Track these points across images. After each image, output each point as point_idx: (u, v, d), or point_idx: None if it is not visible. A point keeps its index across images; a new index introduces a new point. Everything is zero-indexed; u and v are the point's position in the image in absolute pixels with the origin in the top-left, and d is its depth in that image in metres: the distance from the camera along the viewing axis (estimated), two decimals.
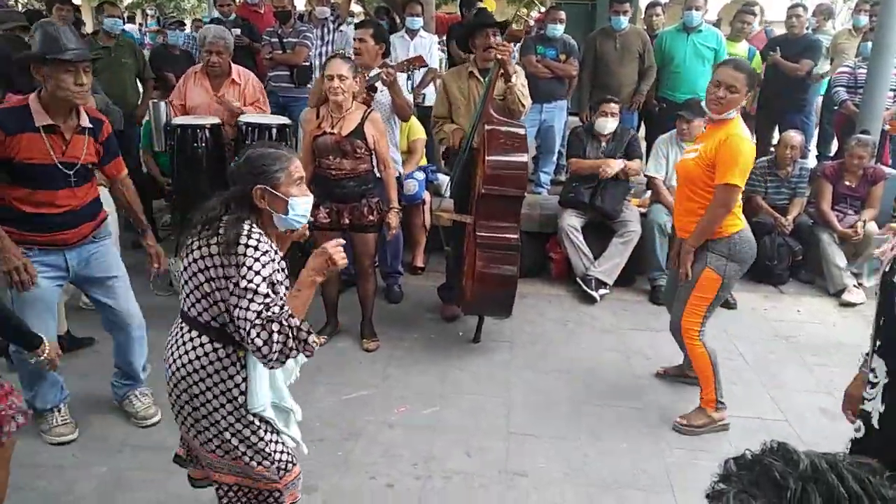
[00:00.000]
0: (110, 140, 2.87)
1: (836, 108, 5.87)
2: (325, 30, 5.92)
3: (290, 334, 1.74)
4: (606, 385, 3.53)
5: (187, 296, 1.92)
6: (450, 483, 2.77)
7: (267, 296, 1.77)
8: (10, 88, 3.25)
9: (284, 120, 4.42)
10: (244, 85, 4.39)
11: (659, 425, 3.19)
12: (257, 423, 1.97)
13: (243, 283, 1.76)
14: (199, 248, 1.86)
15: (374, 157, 3.57)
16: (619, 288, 4.69)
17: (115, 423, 3.10)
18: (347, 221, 3.54)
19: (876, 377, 1.74)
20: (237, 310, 1.76)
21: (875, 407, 1.73)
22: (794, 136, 4.88)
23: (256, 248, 1.80)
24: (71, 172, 2.69)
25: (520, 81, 3.72)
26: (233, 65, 4.39)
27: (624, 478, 2.82)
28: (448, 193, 4.49)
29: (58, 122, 2.64)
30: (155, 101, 4.62)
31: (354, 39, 3.96)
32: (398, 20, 6.62)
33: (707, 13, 6.07)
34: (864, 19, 6.24)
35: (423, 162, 5.05)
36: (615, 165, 4.58)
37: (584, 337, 4.10)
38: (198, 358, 1.91)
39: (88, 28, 7.98)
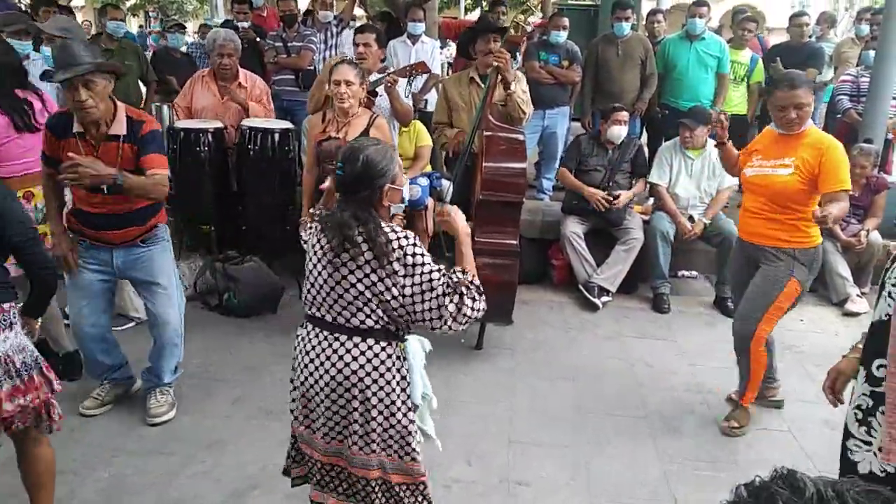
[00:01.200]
0: (146, 137, 2.79)
1: (838, 116, 5.87)
2: (329, 34, 5.94)
3: (476, 291, 1.92)
4: (609, 393, 3.52)
5: (342, 310, 1.91)
6: (450, 492, 2.76)
7: (443, 273, 1.88)
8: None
9: (287, 124, 4.43)
10: (251, 88, 4.42)
11: (661, 434, 3.17)
12: (412, 415, 2.01)
13: (425, 277, 1.85)
14: (346, 263, 1.87)
15: None
16: (621, 295, 4.68)
17: (115, 428, 3.10)
18: None
19: None
20: (425, 303, 1.86)
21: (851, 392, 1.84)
22: None
23: (408, 238, 1.87)
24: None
25: (520, 88, 3.72)
26: (240, 68, 4.41)
27: (626, 487, 2.81)
28: (448, 199, 4.48)
29: (88, 130, 2.72)
30: (158, 104, 4.63)
31: (358, 44, 3.97)
32: (402, 24, 6.63)
33: (710, 21, 6.08)
34: (865, 28, 6.25)
35: (428, 168, 5.04)
36: (616, 202, 4.58)
37: (586, 344, 4.09)
38: (368, 361, 1.92)
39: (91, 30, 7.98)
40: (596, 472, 2.90)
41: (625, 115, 4.68)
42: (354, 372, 1.92)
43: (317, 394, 1.98)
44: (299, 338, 2.04)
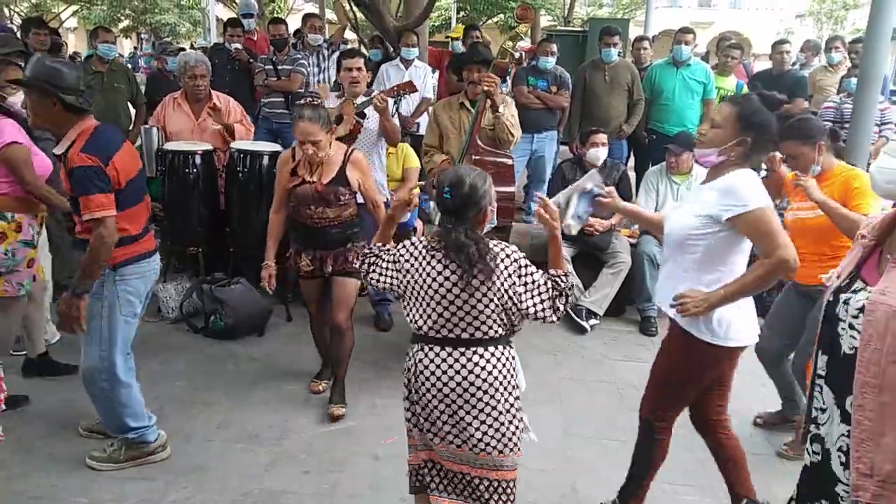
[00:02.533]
0: (73, 172, 2.52)
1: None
2: (321, 57, 5.99)
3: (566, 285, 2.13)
4: (597, 417, 3.50)
5: (468, 325, 2.05)
6: None
7: (542, 272, 2.08)
8: None
9: (276, 147, 4.45)
10: (226, 109, 4.42)
11: None
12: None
13: (534, 278, 2.05)
14: (471, 281, 2.00)
15: (359, 196, 3.39)
16: (609, 318, 4.69)
17: (93, 450, 3.04)
18: (330, 269, 3.32)
19: (824, 403, 1.78)
20: (542, 302, 2.06)
21: (828, 432, 1.75)
22: (783, 169, 4.93)
23: (511, 248, 2.09)
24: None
25: (508, 112, 3.76)
26: (211, 90, 4.43)
27: None
28: (437, 221, 4.51)
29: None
30: (147, 126, 4.64)
31: (351, 69, 3.99)
32: (392, 50, 6.70)
33: (696, 47, 6.18)
34: (837, 56, 6.37)
35: (416, 189, 5.06)
36: (600, 227, 4.62)
37: (574, 367, 4.08)
38: (494, 367, 2.08)
39: (79, 51, 8.01)
40: (583, 495, 2.88)
41: (603, 137, 4.72)
42: (489, 379, 2.07)
43: (435, 408, 2.10)
44: (421, 362, 2.11)
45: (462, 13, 18.71)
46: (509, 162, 3.66)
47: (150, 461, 2.96)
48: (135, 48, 24.37)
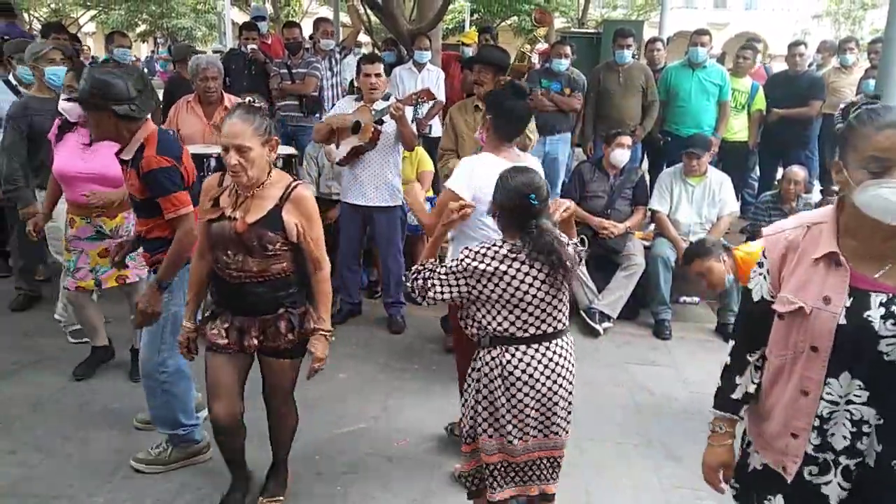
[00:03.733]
0: (150, 175, 2.60)
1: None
2: (333, 61, 6.02)
3: None
4: (610, 420, 3.49)
5: (553, 318, 2.20)
6: None
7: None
8: None
9: (291, 150, 4.47)
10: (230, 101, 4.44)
11: (663, 463, 3.14)
12: None
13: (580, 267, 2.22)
14: (558, 278, 2.15)
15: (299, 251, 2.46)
16: (622, 321, 4.67)
17: (109, 450, 3.07)
18: (256, 342, 2.44)
19: (855, 426, 1.59)
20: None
21: (868, 452, 1.58)
22: (798, 172, 4.90)
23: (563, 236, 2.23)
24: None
25: None
26: (224, 93, 4.45)
27: None
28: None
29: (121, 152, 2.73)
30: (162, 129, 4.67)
31: (370, 74, 4.00)
32: (405, 53, 6.73)
33: (712, 49, 6.15)
34: (851, 57, 6.31)
35: (430, 193, 5.08)
36: (615, 231, 4.60)
37: (587, 371, 4.06)
38: (570, 353, 2.30)
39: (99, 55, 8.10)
40: (596, 499, 2.87)
41: (627, 139, 4.71)
42: (568, 366, 2.27)
43: (542, 400, 2.21)
44: (510, 363, 2.17)
45: (476, 16, 18.72)
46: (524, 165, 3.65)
47: (196, 461, 2.99)
48: (151, 52, 24.62)
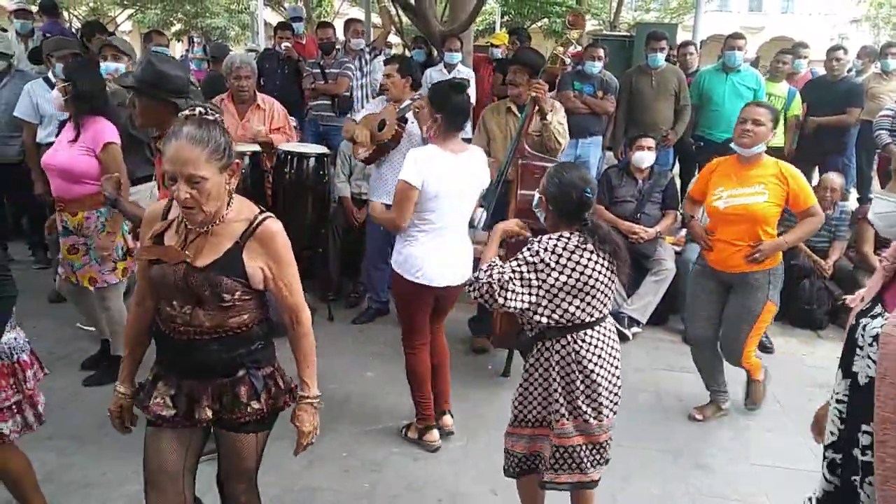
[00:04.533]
0: None
1: (878, 151, 5.77)
2: (363, 61, 6.07)
3: None
4: (637, 426, 3.45)
5: (607, 303, 2.29)
6: None
7: None
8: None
9: (323, 149, 4.50)
10: (269, 110, 4.49)
11: (690, 470, 3.11)
12: None
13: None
14: (616, 264, 2.26)
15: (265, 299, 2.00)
16: (651, 327, 4.63)
17: (142, 440, 3.12)
18: (209, 413, 1.91)
19: (842, 428, 1.67)
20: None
21: (845, 461, 1.64)
22: (835, 179, 4.80)
23: None
24: None
25: (556, 118, 3.74)
26: (257, 92, 4.50)
27: None
28: (482, 226, 4.51)
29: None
30: None
31: (383, 75, 4.07)
32: (435, 52, 6.75)
33: (746, 53, 6.06)
34: (893, 63, 6.17)
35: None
36: (645, 235, 4.57)
37: None
38: (616, 332, 2.40)
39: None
40: None
41: (650, 141, 4.67)
42: (618, 344, 2.37)
43: (610, 377, 2.30)
44: (583, 348, 2.24)
45: (506, 17, 18.69)
46: None
47: None
48: (186, 51, 25.01)
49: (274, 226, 1.90)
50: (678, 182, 5.44)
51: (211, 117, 1.80)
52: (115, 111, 3.63)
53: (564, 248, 2.18)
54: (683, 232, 4.96)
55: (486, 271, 2.20)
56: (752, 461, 3.19)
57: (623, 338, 4.45)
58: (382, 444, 3.20)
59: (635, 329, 4.53)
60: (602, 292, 2.24)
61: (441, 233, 2.98)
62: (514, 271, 2.17)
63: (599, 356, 2.26)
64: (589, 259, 2.19)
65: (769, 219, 3.18)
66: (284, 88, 5.69)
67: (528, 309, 2.20)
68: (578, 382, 2.25)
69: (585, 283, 2.18)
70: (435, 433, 3.21)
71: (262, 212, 1.92)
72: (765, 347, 4.35)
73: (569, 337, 2.24)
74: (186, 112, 1.82)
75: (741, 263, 3.23)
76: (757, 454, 3.24)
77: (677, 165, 6.26)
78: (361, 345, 4.27)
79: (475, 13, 6.62)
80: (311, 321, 2.01)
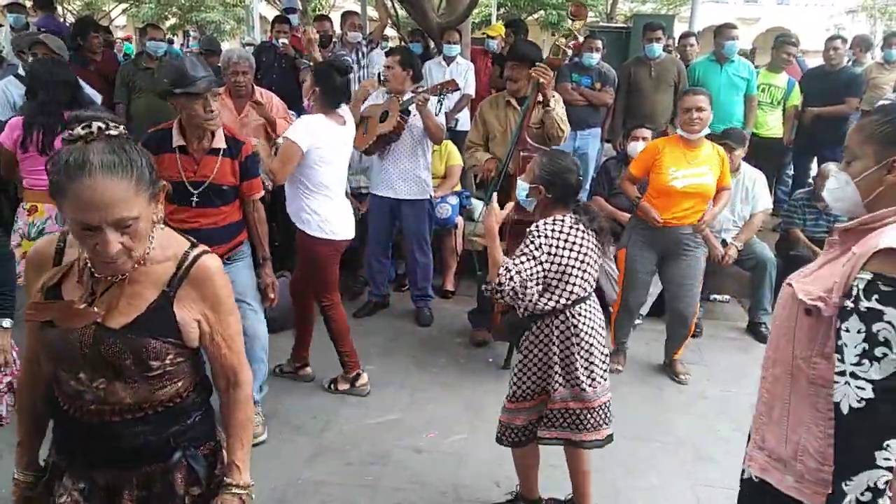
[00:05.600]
0: (249, 160, 2.94)
1: None
2: (360, 54, 6.04)
3: None
4: (638, 418, 3.46)
5: (595, 276, 2.43)
6: None
7: None
8: (62, 107, 3.37)
9: None
10: (268, 104, 4.47)
11: (691, 462, 3.12)
12: None
13: None
14: (604, 244, 2.43)
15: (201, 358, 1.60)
16: (651, 318, 4.63)
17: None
18: None
19: None
20: None
21: None
22: (834, 169, 4.79)
23: None
24: (195, 192, 2.81)
25: (558, 107, 3.73)
26: (255, 86, 4.48)
27: None
28: (481, 219, 4.51)
29: (190, 143, 2.80)
30: None
31: (384, 66, 4.06)
32: (432, 45, 6.72)
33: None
34: (895, 52, 6.15)
35: (458, 187, 5.08)
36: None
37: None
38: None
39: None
40: (624, 497, 2.86)
41: (646, 132, 4.66)
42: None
43: (598, 345, 2.44)
44: (579, 321, 2.38)
45: (502, 10, 18.63)
46: None
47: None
48: (180, 45, 24.88)
49: (212, 263, 1.48)
50: None
51: (113, 133, 1.29)
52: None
53: (561, 231, 2.32)
54: None
55: (506, 276, 2.26)
56: None
57: None
58: (385, 437, 3.21)
59: (636, 321, 4.52)
60: (592, 268, 2.40)
61: (337, 192, 3.41)
62: (530, 268, 2.27)
63: (592, 327, 2.41)
64: (583, 237, 2.35)
65: (711, 195, 3.65)
66: (281, 83, 5.65)
67: (543, 296, 2.33)
68: (577, 355, 2.38)
69: (582, 261, 2.34)
70: (365, 376, 3.59)
71: (192, 245, 1.47)
72: (761, 335, 4.39)
73: (567, 312, 2.37)
74: (78, 130, 1.26)
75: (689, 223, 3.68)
76: None
77: None
78: (362, 338, 4.24)
79: (472, 5, 6.58)
80: (251, 386, 1.61)
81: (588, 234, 2.37)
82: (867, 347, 1.20)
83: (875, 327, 1.18)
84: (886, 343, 1.17)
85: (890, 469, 1.19)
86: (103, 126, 1.28)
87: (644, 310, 4.54)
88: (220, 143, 2.84)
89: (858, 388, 1.21)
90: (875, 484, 1.19)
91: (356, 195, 4.86)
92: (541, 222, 2.34)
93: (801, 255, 4.70)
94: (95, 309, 1.37)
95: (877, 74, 6.22)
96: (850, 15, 27.26)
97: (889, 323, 1.16)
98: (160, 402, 1.46)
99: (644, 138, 4.64)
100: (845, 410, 1.22)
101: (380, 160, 4.25)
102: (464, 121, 5.94)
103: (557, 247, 2.30)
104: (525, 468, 2.65)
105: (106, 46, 6.38)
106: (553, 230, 2.31)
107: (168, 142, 2.78)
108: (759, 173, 4.64)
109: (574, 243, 2.33)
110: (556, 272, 2.31)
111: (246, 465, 1.56)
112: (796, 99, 5.83)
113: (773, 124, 5.82)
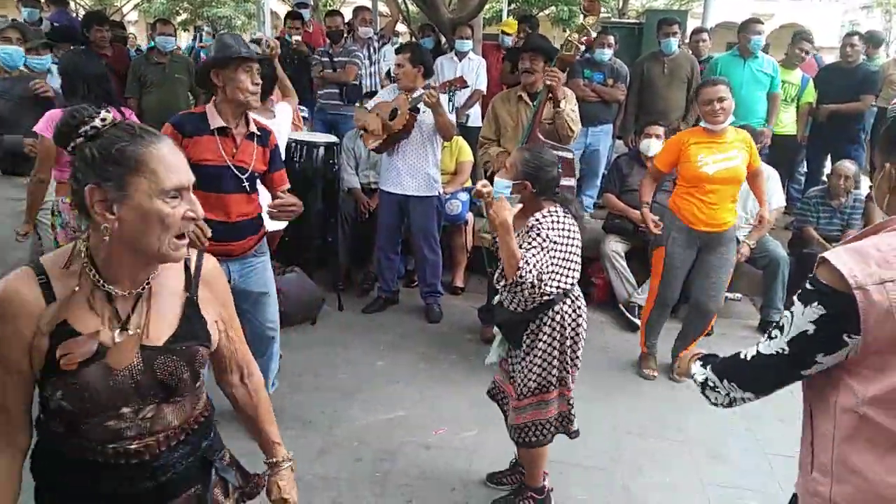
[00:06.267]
0: (276, 150, 2.89)
1: None
2: (371, 49, 6.03)
3: None
4: (649, 416, 3.45)
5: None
6: None
7: None
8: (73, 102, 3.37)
9: (332, 138, 4.49)
10: (276, 100, 4.46)
11: (702, 460, 3.10)
12: None
13: None
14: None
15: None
16: None
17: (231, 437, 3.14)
18: None
19: None
20: None
21: None
22: (849, 167, 4.75)
23: None
24: (244, 177, 2.73)
25: (569, 107, 3.71)
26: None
27: None
28: (492, 212, 4.50)
29: (230, 125, 2.69)
30: None
31: (395, 64, 4.04)
32: (444, 40, 6.69)
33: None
34: None
35: (469, 184, 5.06)
36: (653, 225, 4.50)
37: (625, 364, 4.02)
38: None
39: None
40: (634, 496, 2.84)
41: (658, 129, 4.63)
42: None
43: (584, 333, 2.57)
44: (578, 308, 2.50)
45: (513, 5, 18.56)
46: (569, 156, 3.61)
47: None
48: (192, 40, 24.94)
49: (213, 261, 1.46)
50: None
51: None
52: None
53: (558, 221, 2.40)
54: None
55: (526, 269, 2.30)
56: (766, 451, 3.17)
57: (633, 327, 4.44)
58: (394, 433, 3.20)
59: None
60: (578, 254, 2.49)
61: None
62: (543, 259, 2.33)
63: (583, 309, 2.54)
64: (572, 225, 2.45)
65: (742, 178, 3.56)
66: (293, 78, 5.65)
67: (557, 285, 2.40)
68: (577, 337, 2.52)
69: (577, 247, 2.45)
70: None
71: (189, 244, 1.32)
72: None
73: (570, 297, 2.47)
74: (97, 122, 1.21)
75: (725, 220, 3.60)
76: (770, 444, 3.22)
77: None
78: (372, 334, 4.26)
79: (484, 0, 6.55)
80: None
81: (574, 222, 2.47)
82: (773, 328, 1.36)
83: (785, 314, 1.32)
84: (780, 328, 1.32)
85: (713, 386, 1.50)
86: (109, 116, 1.23)
87: None
88: (254, 128, 2.77)
89: (752, 349, 1.41)
90: (705, 379, 1.52)
91: (366, 191, 4.86)
92: (538, 215, 2.40)
93: (815, 253, 4.63)
94: (131, 331, 1.27)
95: (893, 71, 6.14)
96: (864, 10, 26.96)
97: (791, 314, 1.29)
98: (196, 416, 1.40)
99: (657, 136, 4.60)
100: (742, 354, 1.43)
101: (388, 156, 4.24)
102: (475, 117, 5.92)
103: (560, 235, 2.38)
104: (540, 458, 2.66)
105: (118, 42, 6.39)
106: (553, 221, 2.39)
107: (205, 123, 2.66)
108: (772, 170, 4.60)
109: (570, 230, 2.43)
110: (562, 259, 2.40)
111: (279, 437, 1.62)
112: (810, 96, 5.76)
113: (786, 121, 5.76)
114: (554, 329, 2.46)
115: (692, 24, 9.95)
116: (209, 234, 2.43)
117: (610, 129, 5.76)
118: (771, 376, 1.39)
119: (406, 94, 4.03)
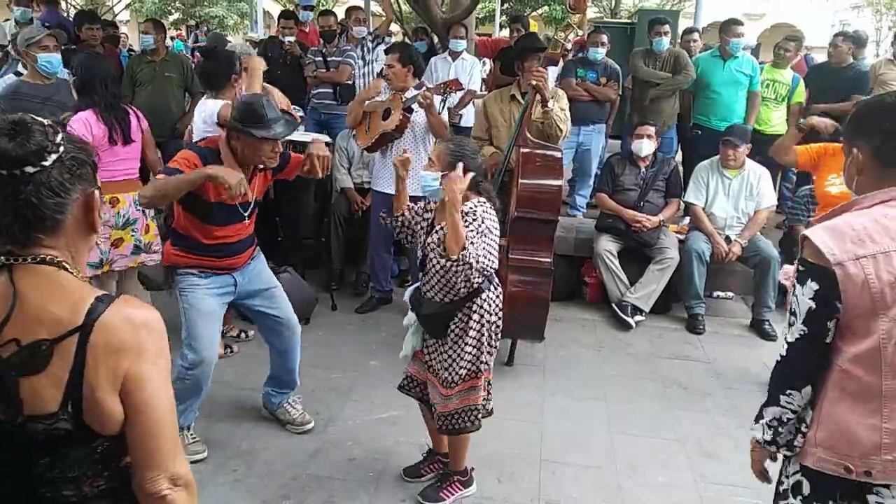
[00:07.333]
0: (282, 155, 2.92)
1: None
2: (365, 49, 6.02)
3: None
4: (642, 414, 3.46)
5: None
6: None
7: None
8: (92, 103, 3.49)
9: (325, 138, 4.48)
10: (269, 96, 4.47)
11: (696, 459, 3.11)
12: None
13: None
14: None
15: None
16: (655, 315, 4.63)
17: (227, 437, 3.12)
18: None
19: None
20: None
21: None
22: None
23: None
24: (246, 212, 2.87)
25: (558, 106, 3.72)
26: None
27: None
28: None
29: (244, 171, 2.74)
30: None
31: (385, 65, 4.04)
32: (436, 42, 6.70)
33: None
34: None
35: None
36: (648, 224, 4.56)
37: (618, 363, 4.04)
38: None
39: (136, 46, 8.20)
40: (628, 495, 2.85)
41: (650, 129, 4.65)
42: None
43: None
44: (499, 295, 2.63)
45: (506, 5, 18.57)
46: (558, 155, 3.63)
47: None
48: (183, 40, 24.84)
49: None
50: (681, 169, 5.40)
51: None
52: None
53: (488, 210, 2.49)
54: (687, 220, 4.95)
55: (472, 251, 2.35)
56: None
57: (626, 326, 4.46)
58: (388, 433, 3.21)
59: (639, 317, 4.52)
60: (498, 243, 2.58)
61: None
62: (483, 243, 2.40)
63: (500, 293, 2.65)
64: (494, 214, 2.53)
65: None
66: (286, 78, 5.64)
67: (489, 265, 2.45)
68: (499, 320, 2.62)
69: (498, 236, 2.52)
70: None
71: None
72: (766, 334, 4.39)
73: (495, 281, 2.59)
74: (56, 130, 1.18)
75: None
76: None
77: (679, 154, 6.23)
78: (365, 334, 4.26)
79: (476, 0, 6.58)
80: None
81: (495, 213, 2.55)
82: (788, 316, 1.48)
83: (790, 301, 1.46)
84: (794, 313, 1.45)
85: (793, 410, 1.52)
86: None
87: (647, 306, 4.54)
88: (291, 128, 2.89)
89: (783, 345, 1.52)
90: (780, 417, 1.54)
91: (358, 190, 4.86)
92: (471, 203, 2.47)
93: None
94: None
95: (885, 71, 6.17)
96: (855, 10, 27.10)
97: (796, 297, 1.44)
98: None
99: (649, 136, 4.63)
100: (777, 358, 1.54)
101: (381, 156, 4.24)
102: (468, 117, 5.93)
103: (492, 223, 2.48)
104: (467, 443, 2.76)
105: (109, 42, 6.36)
106: (485, 209, 2.48)
107: (219, 163, 2.70)
108: (763, 170, 4.63)
109: (495, 221, 2.51)
110: (492, 246, 2.47)
111: None
112: (801, 96, 5.80)
113: (777, 121, 5.79)
114: (482, 316, 2.55)
115: (684, 23, 9.99)
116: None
117: (602, 129, 5.78)
118: (810, 357, 1.49)
119: (399, 94, 4.03)
